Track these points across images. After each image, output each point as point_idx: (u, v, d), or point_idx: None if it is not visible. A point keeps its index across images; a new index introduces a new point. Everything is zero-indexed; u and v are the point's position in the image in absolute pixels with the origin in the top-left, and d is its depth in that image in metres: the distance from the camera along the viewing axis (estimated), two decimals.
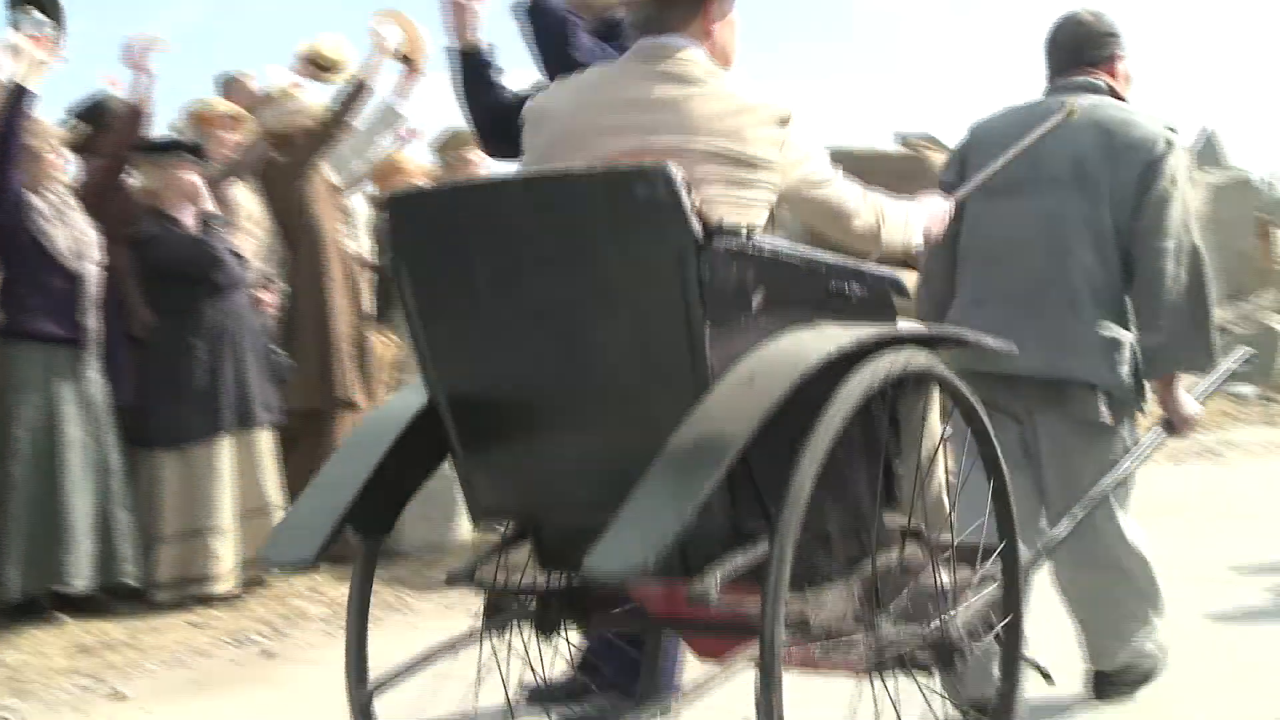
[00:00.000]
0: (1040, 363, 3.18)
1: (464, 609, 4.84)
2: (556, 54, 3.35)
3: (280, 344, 5.47)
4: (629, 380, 2.22)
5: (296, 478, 5.55)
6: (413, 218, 2.37)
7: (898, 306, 2.52)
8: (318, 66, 6.18)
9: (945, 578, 2.40)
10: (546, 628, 2.75)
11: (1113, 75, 3.47)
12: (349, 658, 2.64)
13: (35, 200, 4.75)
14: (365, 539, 2.57)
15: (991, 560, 2.53)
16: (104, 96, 5.42)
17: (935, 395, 2.61)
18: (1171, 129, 3.34)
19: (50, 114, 5.10)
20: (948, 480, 2.70)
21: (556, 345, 2.27)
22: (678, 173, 2.11)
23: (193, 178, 5.06)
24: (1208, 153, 14.35)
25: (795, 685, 2.22)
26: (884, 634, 2.30)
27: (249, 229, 5.42)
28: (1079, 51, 3.48)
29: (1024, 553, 2.66)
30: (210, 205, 5.11)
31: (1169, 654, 3.58)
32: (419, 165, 6.14)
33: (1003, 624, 2.53)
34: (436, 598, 5.11)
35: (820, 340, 2.17)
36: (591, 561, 1.97)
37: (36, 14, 5.04)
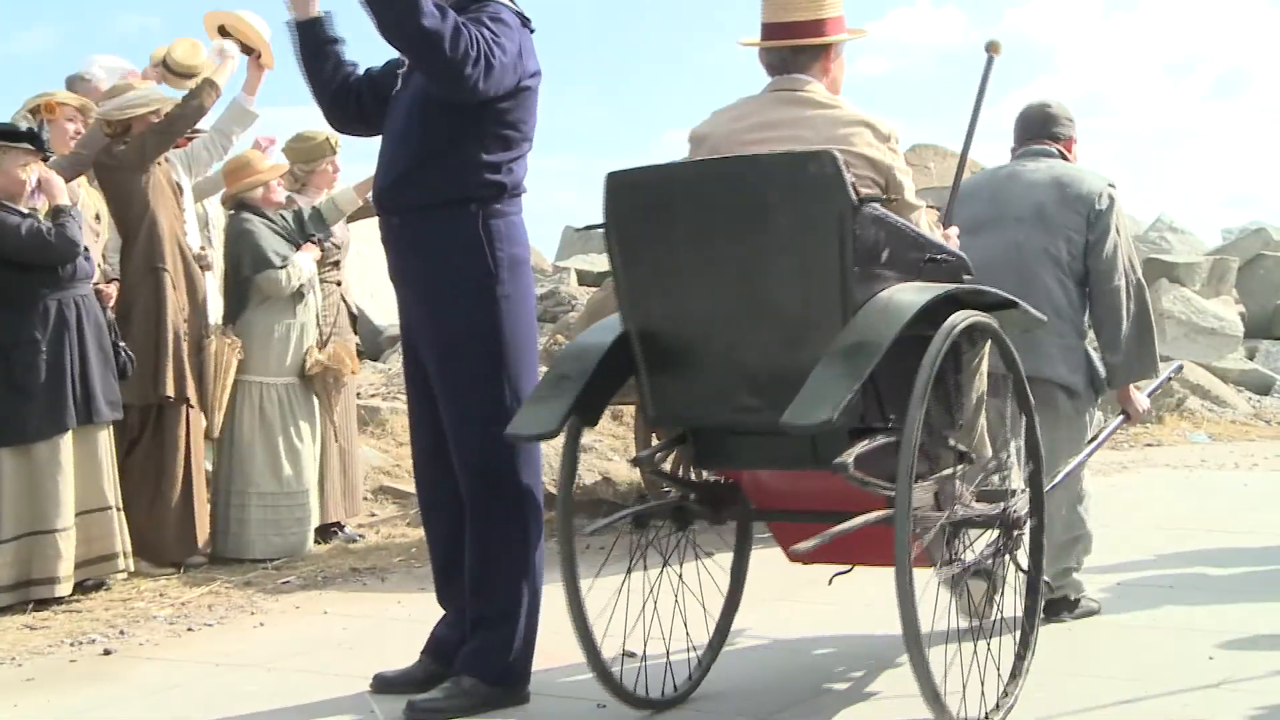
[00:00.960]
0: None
1: (310, 610, 4.80)
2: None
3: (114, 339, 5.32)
4: (790, 311, 3.03)
5: (138, 476, 5.43)
6: (625, 189, 3.20)
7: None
8: (171, 72, 6.07)
9: (996, 480, 3.39)
10: (683, 521, 3.49)
11: (1068, 149, 4.45)
12: (561, 512, 3.32)
13: None
14: (578, 424, 3.28)
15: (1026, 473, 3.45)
16: None
17: (987, 348, 3.47)
18: (1111, 184, 4.27)
19: None
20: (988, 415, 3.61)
21: (734, 285, 3.08)
22: (840, 156, 2.99)
23: (34, 168, 4.91)
24: None
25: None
26: (959, 510, 3.17)
27: (89, 222, 5.27)
28: (1044, 126, 4.44)
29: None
30: (63, 198, 4.96)
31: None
32: (271, 164, 6.05)
33: (1032, 519, 3.39)
34: (285, 599, 5.03)
35: (927, 291, 3.07)
36: (789, 417, 2.81)
37: None
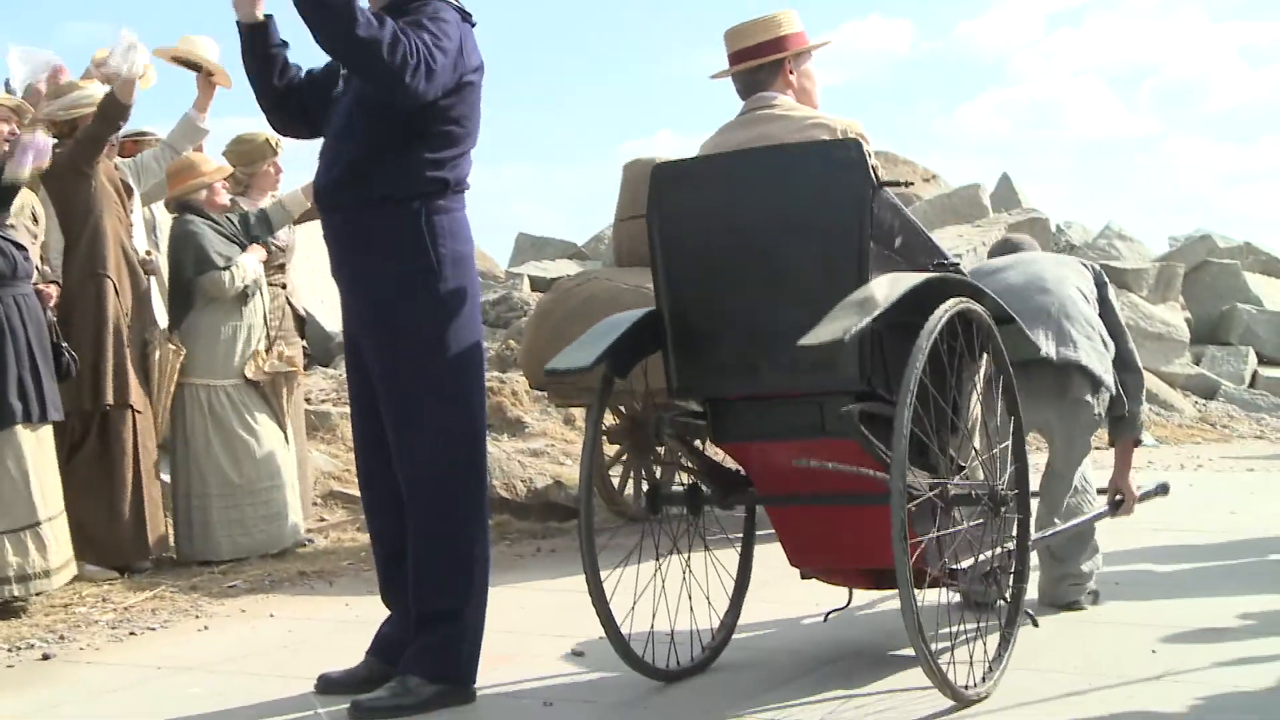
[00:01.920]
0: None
1: (256, 614, 4.75)
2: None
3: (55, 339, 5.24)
4: (812, 285, 3.33)
5: (82, 480, 5.34)
6: (668, 180, 3.58)
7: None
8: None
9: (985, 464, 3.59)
10: (696, 506, 3.73)
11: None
12: (582, 481, 3.54)
13: None
14: (610, 375, 3.57)
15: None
16: None
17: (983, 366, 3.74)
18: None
19: None
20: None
21: (761, 264, 3.42)
22: (865, 143, 3.41)
23: None
24: (1006, 194, 15.02)
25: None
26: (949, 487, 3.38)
27: (26, 223, 5.20)
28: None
29: None
30: None
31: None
32: (215, 166, 5.99)
33: (1017, 498, 3.63)
34: (230, 603, 4.97)
35: (926, 275, 3.41)
36: (805, 339, 3.13)
37: None
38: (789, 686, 3.63)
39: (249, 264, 5.83)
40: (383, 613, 3.75)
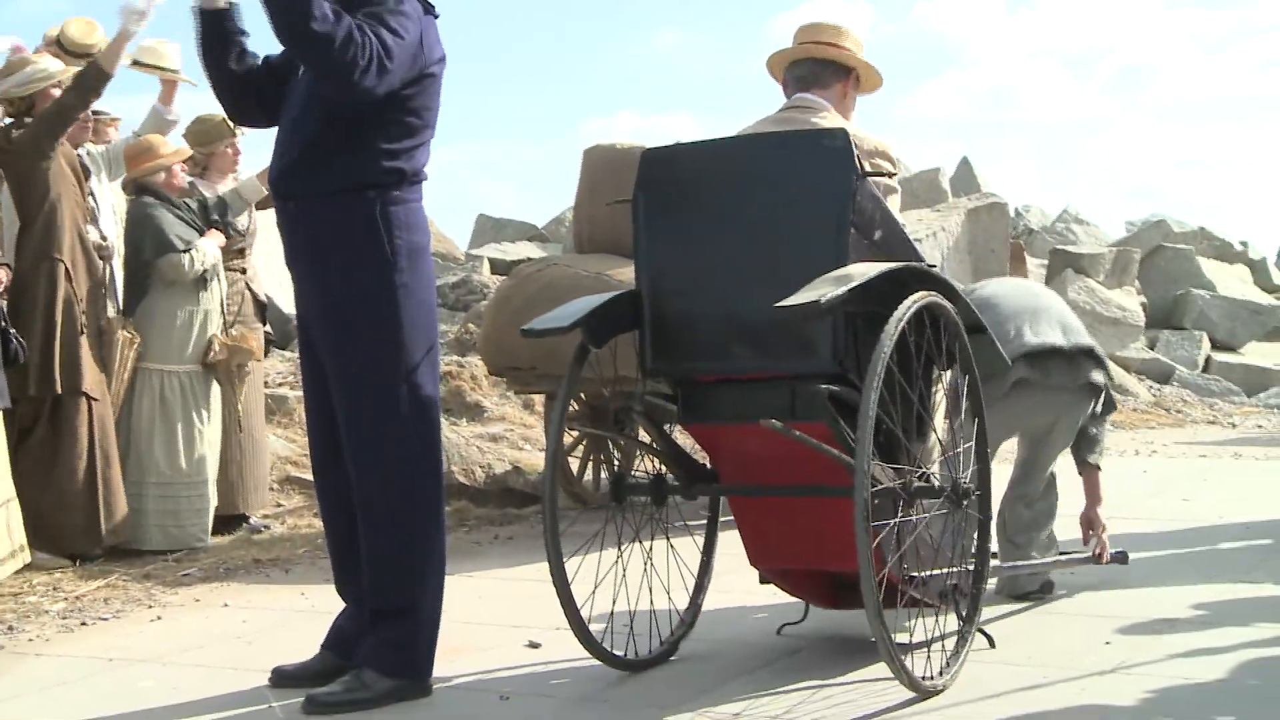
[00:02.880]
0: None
1: (210, 603, 4.70)
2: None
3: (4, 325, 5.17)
4: (791, 268, 3.34)
5: (32, 467, 5.27)
6: (657, 162, 3.64)
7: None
8: (66, 51, 5.90)
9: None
10: (659, 497, 3.74)
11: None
12: (549, 461, 3.60)
13: None
14: (585, 346, 3.59)
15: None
16: None
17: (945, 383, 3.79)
18: None
19: None
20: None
21: (742, 247, 3.47)
22: (851, 134, 3.50)
23: None
24: (965, 178, 15.08)
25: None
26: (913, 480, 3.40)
27: None
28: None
29: None
30: None
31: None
32: (173, 149, 5.91)
33: (978, 496, 3.63)
34: (184, 592, 4.93)
35: (905, 263, 3.48)
36: (786, 301, 3.16)
37: None
38: (749, 678, 3.64)
39: (208, 248, 5.75)
40: (339, 602, 3.72)
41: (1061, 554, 4.59)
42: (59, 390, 5.31)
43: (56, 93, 5.43)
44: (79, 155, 5.63)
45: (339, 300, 3.48)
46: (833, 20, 4.07)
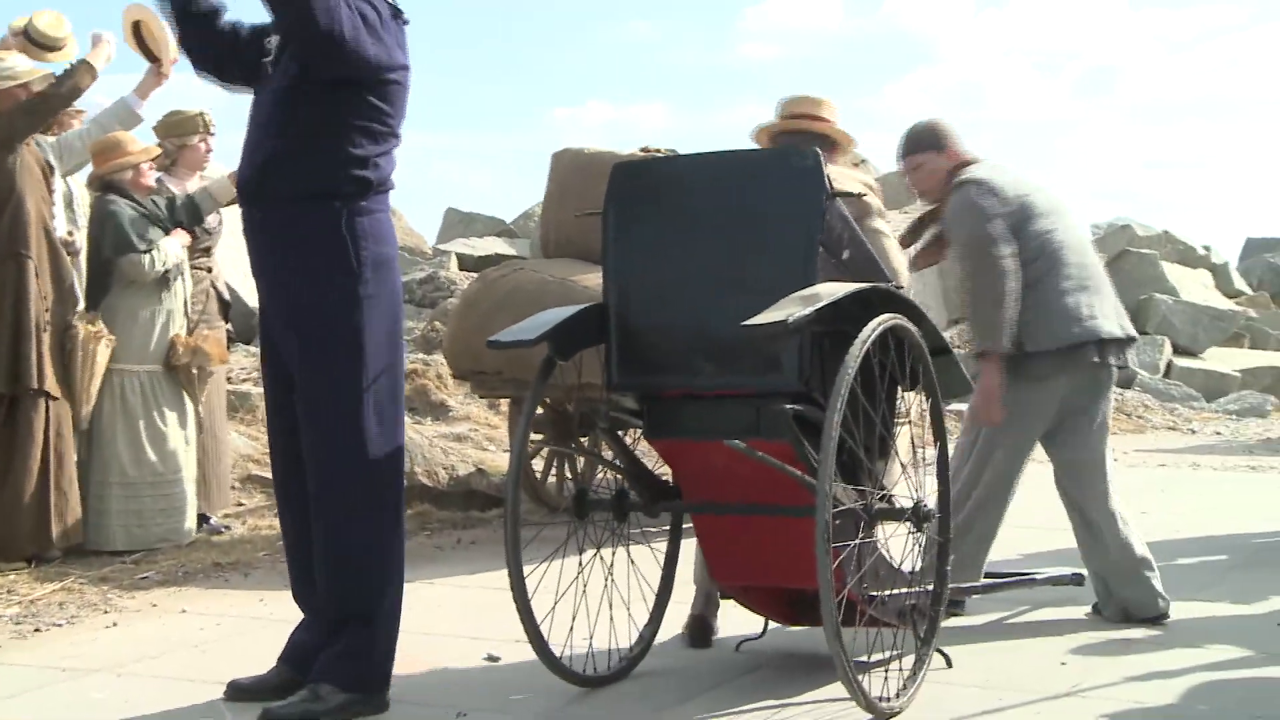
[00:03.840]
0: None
1: (168, 609, 4.67)
2: None
3: None
4: (759, 285, 3.36)
5: None
6: (628, 176, 3.64)
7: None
8: (33, 43, 5.82)
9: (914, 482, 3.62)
10: (621, 512, 3.76)
11: None
12: (511, 478, 3.56)
13: None
14: (551, 359, 3.59)
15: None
16: None
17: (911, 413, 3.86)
18: None
19: None
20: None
21: (710, 263, 3.49)
22: (822, 154, 3.52)
23: None
24: None
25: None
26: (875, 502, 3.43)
27: None
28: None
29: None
30: None
31: None
32: (142, 147, 5.84)
33: (939, 516, 3.66)
34: (141, 597, 4.89)
35: (873, 284, 3.52)
36: (753, 320, 3.18)
37: None
38: (707, 696, 3.65)
39: (170, 248, 5.69)
40: (296, 610, 3.69)
41: (1022, 574, 4.60)
42: (34, 387, 5.25)
43: (21, 94, 5.36)
44: (36, 146, 5.56)
45: (304, 310, 3.46)
46: (815, 94, 4.36)
